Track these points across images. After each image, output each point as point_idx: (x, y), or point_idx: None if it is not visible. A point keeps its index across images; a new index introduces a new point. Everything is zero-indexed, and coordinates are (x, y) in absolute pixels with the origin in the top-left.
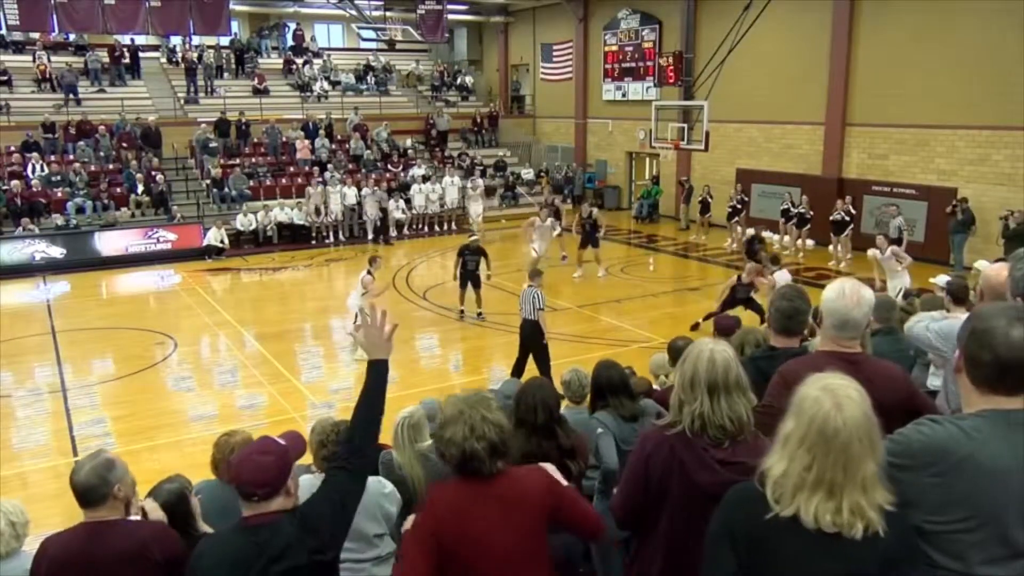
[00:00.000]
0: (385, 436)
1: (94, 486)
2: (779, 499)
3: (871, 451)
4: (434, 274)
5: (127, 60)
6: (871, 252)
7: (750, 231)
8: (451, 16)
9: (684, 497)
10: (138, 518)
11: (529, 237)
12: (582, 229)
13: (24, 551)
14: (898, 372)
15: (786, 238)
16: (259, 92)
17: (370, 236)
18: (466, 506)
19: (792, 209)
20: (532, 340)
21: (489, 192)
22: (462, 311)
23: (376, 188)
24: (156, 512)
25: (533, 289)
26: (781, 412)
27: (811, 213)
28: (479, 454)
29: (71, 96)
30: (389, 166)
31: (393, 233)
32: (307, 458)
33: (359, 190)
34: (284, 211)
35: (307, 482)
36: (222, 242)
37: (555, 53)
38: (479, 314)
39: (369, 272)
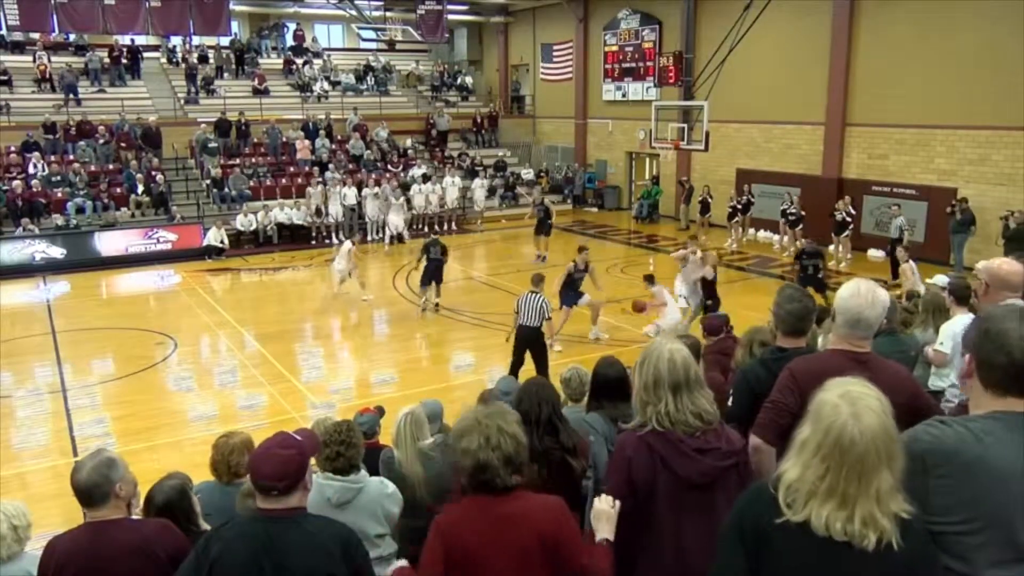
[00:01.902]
0: (385, 435)
1: (96, 485)
2: (791, 504)
3: (888, 462)
4: None
5: (127, 60)
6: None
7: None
8: (451, 16)
9: (671, 492)
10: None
11: (684, 264)
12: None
13: (26, 553)
14: (903, 373)
15: (785, 238)
16: (259, 92)
17: (371, 237)
18: (469, 523)
19: (790, 209)
20: (534, 345)
21: (489, 192)
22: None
23: (395, 190)
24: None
25: (540, 296)
26: (787, 409)
27: (802, 213)
28: (493, 464)
29: (71, 96)
30: (389, 166)
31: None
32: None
33: (359, 190)
34: (284, 211)
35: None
36: (222, 242)
37: (555, 53)
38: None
39: (352, 242)
